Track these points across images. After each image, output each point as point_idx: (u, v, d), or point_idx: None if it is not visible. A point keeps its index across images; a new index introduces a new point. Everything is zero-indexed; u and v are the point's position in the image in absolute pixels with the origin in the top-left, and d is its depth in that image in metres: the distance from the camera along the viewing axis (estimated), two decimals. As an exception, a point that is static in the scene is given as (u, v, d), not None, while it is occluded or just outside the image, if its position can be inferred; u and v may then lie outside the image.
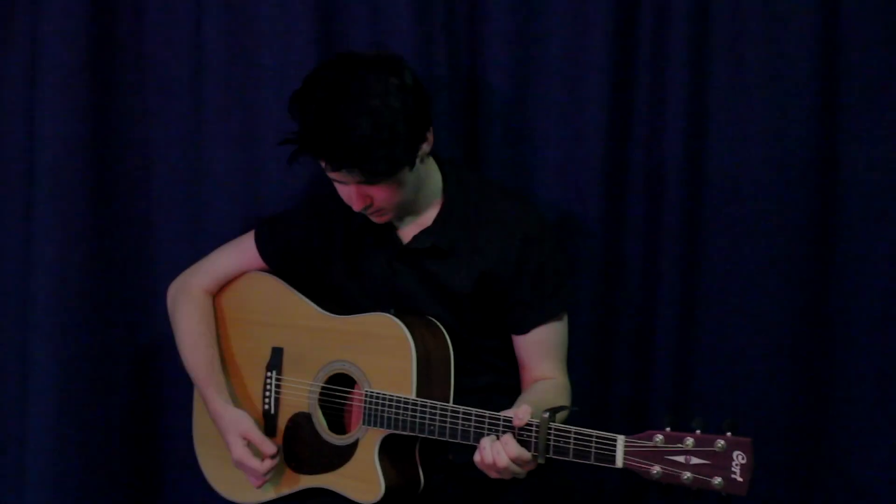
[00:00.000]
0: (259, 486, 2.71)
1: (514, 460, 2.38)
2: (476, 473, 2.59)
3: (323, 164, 2.49)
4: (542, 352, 2.66)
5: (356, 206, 2.54)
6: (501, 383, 2.68)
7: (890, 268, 3.03)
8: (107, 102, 3.05)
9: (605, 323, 3.08)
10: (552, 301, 2.65)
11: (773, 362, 3.06)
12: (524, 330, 2.66)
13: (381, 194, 2.52)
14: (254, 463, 2.67)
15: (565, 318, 2.69)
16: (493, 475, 2.42)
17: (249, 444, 2.68)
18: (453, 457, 2.64)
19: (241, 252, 2.82)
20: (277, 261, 2.79)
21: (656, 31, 3.01)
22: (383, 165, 2.46)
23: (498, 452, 2.38)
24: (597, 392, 3.07)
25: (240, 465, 2.69)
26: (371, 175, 2.47)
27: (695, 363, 3.09)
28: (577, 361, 2.78)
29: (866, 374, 3.05)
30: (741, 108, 3.01)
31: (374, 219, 2.60)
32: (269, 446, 2.67)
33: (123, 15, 3.05)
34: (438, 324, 2.61)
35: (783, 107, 2.99)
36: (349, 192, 2.53)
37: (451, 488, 2.67)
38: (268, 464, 2.67)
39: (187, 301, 2.82)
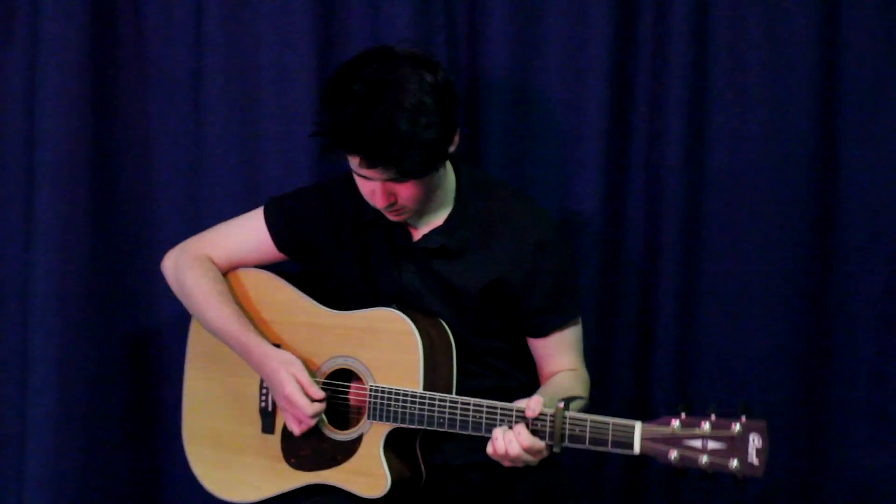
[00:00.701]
0: (300, 433, 2.62)
1: (527, 450, 2.38)
2: (476, 475, 2.59)
3: (356, 161, 2.46)
4: (560, 349, 2.67)
5: (380, 204, 2.52)
6: (503, 386, 2.66)
7: (890, 267, 3.03)
8: (107, 102, 3.05)
9: (605, 322, 3.09)
10: (569, 304, 2.66)
11: (773, 362, 3.07)
12: (544, 335, 2.66)
13: (406, 193, 2.50)
14: (302, 400, 2.58)
15: (580, 317, 2.70)
16: (506, 464, 2.42)
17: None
18: (453, 459, 2.65)
19: (247, 225, 2.77)
20: (285, 238, 2.74)
21: (656, 32, 3.02)
22: (419, 165, 2.43)
23: (510, 442, 2.38)
24: (596, 391, 3.06)
25: (288, 401, 2.60)
26: (405, 174, 2.45)
27: (694, 363, 3.10)
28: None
29: (866, 373, 3.07)
30: (741, 108, 3.02)
31: (392, 217, 2.58)
32: (317, 390, 2.60)
33: (123, 15, 3.05)
34: (439, 318, 2.61)
35: (783, 107, 3.01)
36: (374, 188, 2.50)
37: (450, 490, 2.66)
38: (316, 406, 2.59)
39: (192, 266, 2.75)
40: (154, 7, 3.05)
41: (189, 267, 2.75)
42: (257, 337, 2.66)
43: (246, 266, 2.78)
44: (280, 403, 2.64)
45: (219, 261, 2.77)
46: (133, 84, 3.08)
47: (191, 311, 2.78)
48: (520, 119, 3.04)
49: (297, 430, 2.62)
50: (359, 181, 2.53)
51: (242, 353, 2.68)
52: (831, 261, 3.06)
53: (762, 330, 3.06)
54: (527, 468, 2.43)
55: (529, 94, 3.04)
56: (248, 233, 2.77)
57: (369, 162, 2.43)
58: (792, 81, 3.00)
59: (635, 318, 3.10)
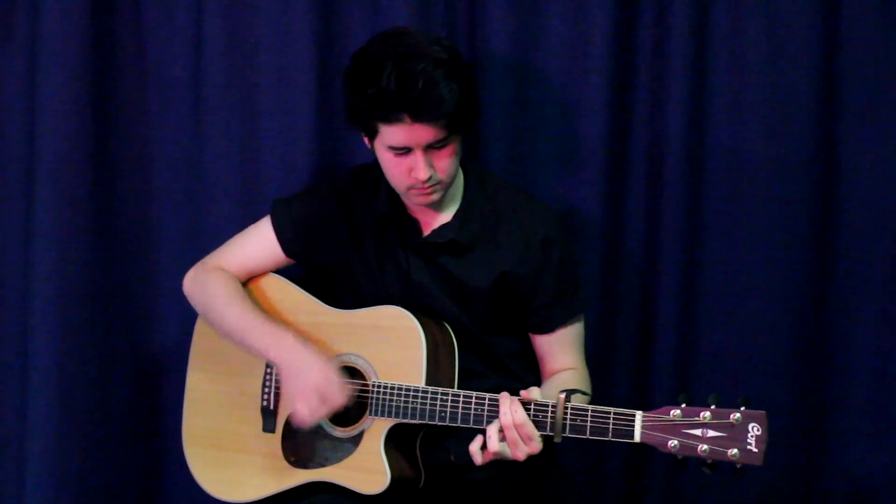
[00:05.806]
0: (316, 419, 2.57)
1: (518, 426, 2.40)
2: (477, 474, 2.59)
3: (403, 121, 2.45)
4: (563, 347, 2.69)
5: (422, 175, 2.50)
6: (512, 387, 2.66)
7: (890, 267, 3.03)
8: (107, 102, 3.05)
9: (605, 322, 3.09)
10: (573, 300, 2.68)
11: (773, 361, 3.07)
12: (548, 331, 2.68)
13: (444, 162, 2.52)
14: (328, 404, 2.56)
15: (583, 315, 2.72)
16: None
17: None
18: (455, 458, 2.65)
19: (257, 235, 2.78)
20: (293, 244, 2.75)
21: (656, 31, 3.02)
22: (465, 114, 2.49)
23: (504, 414, 2.41)
24: (597, 391, 3.07)
25: (320, 381, 2.56)
26: (453, 127, 2.48)
27: (694, 363, 3.11)
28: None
29: (866, 373, 3.07)
30: (741, 108, 3.02)
31: (422, 198, 2.56)
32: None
33: (123, 15, 3.05)
34: (443, 321, 2.61)
35: (783, 106, 3.01)
36: (412, 163, 2.51)
37: (451, 489, 2.66)
38: (348, 388, 2.57)
39: (210, 274, 2.76)
40: (154, 7, 3.05)
41: (207, 277, 2.76)
42: (298, 338, 2.62)
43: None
44: (309, 384, 2.56)
45: (235, 273, 2.78)
46: (133, 84, 3.07)
47: (211, 319, 2.75)
48: (520, 118, 3.04)
49: (319, 412, 2.55)
50: (393, 162, 2.53)
51: (270, 343, 2.63)
52: (831, 260, 3.06)
53: (762, 329, 3.07)
54: (527, 467, 2.43)
55: (529, 93, 3.04)
56: (260, 242, 2.77)
57: (421, 116, 2.45)
58: (792, 81, 3.00)
59: (635, 318, 3.10)
